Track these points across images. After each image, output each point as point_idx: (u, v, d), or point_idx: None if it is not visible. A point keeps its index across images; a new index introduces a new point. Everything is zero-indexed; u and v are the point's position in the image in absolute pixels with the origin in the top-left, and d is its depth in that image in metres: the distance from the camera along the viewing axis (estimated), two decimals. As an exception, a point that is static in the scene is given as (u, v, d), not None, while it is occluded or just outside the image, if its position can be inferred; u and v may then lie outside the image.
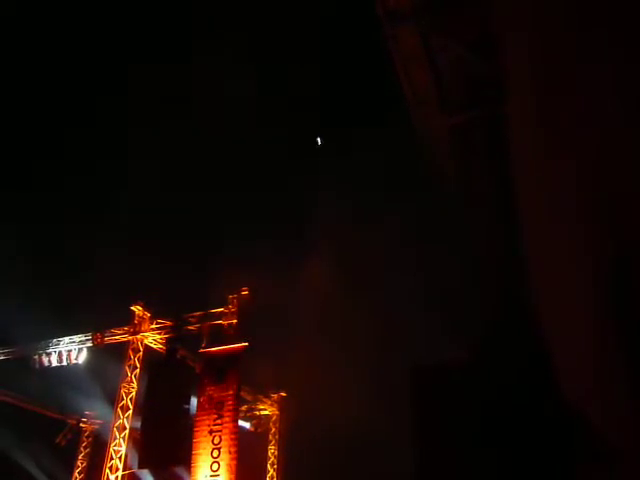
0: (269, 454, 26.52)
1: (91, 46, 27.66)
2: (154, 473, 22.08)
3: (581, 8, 3.63)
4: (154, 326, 21.92)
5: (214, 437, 18.47)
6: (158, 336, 21.89)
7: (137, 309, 22.01)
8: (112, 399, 21.80)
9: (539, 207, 4.30)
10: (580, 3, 3.72)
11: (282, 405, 26.92)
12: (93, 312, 24.36)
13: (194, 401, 19.80)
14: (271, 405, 26.79)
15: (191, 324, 21.24)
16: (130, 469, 20.95)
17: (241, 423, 22.51)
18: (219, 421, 18.66)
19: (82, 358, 22.43)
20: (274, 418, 26.94)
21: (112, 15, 27.18)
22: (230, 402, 18.90)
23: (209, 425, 18.70)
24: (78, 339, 22.78)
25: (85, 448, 27.07)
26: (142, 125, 27.64)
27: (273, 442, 26.70)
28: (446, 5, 7.68)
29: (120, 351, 22.18)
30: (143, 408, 20.90)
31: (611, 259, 2.96)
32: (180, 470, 20.86)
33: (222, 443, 18.29)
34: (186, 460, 19.02)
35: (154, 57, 27.70)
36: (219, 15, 27.12)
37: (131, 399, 21.26)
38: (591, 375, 3.96)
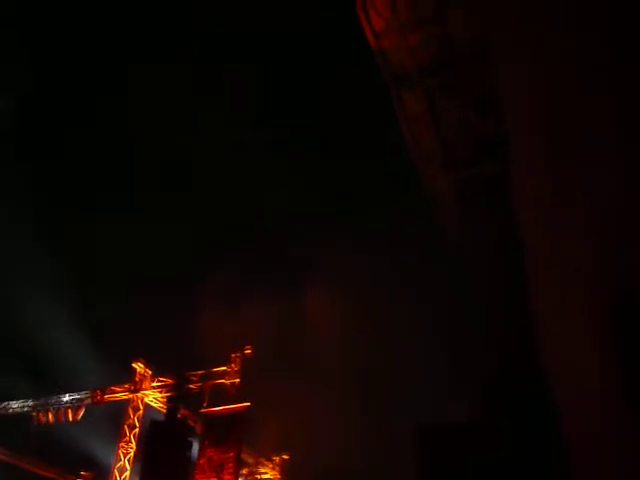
0: (270, 521, 25.58)
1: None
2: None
3: (584, 66, 3.75)
4: (155, 384, 21.58)
5: (213, 501, 17.87)
6: (159, 394, 21.52)
7: (138, 366, 21.72)
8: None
9: (544, 257, 4.33)
10: (583, 60, 3.83)
11: (284, 468, 26.13)
12: (94, 369, 24.13)
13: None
14: (273, 469, 26.01)
15: (193, 382, 20.91)
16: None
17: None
18: (219, 484, 18.09)
19: (81, 416, 22.00)
20: (276, 483, 26.10)
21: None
22: (230, 464, 18.36)
23: (208, 488, 18.12)
24: (78, 396, 22.42)
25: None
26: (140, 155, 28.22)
27: (274, 508, 25.79)
28: (451, 67, 7.93)
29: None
30: (141, 469, 20.31)
31: (616, 305, 2.95)
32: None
33: (221, 507, 17.68)
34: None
35: (153, 58, 28.57)
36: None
37: (129, 460, 20.71)
38: (599, 433, 3.86)
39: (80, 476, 26.12)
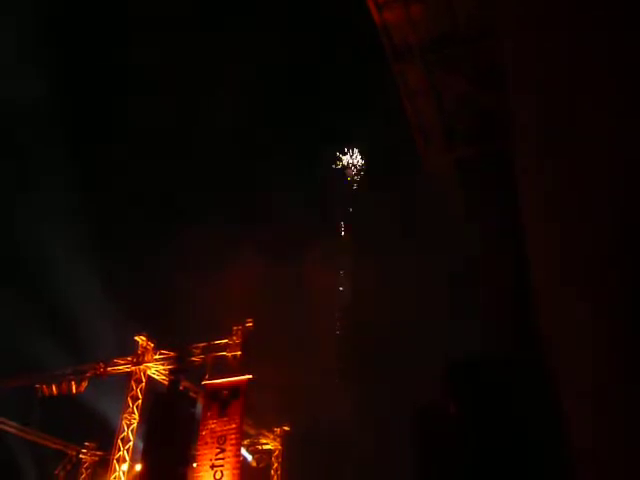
0: (271, 490, 26.07)
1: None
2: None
3: (584, 42, 3.71)
4: (157, 357, 21.76)
5: (216, 472, 18.11)
6: (161, 367, 21.72)
7: (141, 339, 21.90)
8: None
9: (546, 239, 4.33)
10: (583, 40, 3.79)
11: (285, 440, 26.53)
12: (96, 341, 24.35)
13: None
14: (274, 440, 26.41)
15: (195, 355, 21.09)
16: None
17: (244, 453, 22.12)
18: (221, 455, 18.32)
19: (84, 388, 22.25)
20: (276, 453, 26.52)
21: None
22: (233, 436, 18.57)
23: (211, 460, 18.36)
24: (81, 369, 22.64)
25: (84, 481, 26.64)
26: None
27: (275, 477, 26.24)
28: (452, 42, 7.83)
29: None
30: (144, 440, 20.62)
31: (623, 280, 2.97)
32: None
33: (224, 478, 17.95)
34: (187, 495, 18.70)
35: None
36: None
37: (132, 431, 21.01)
38: (605, 422, 3.89)
39: (84, 447, 26.64)
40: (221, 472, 18.08)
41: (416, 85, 8.36)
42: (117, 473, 20.38)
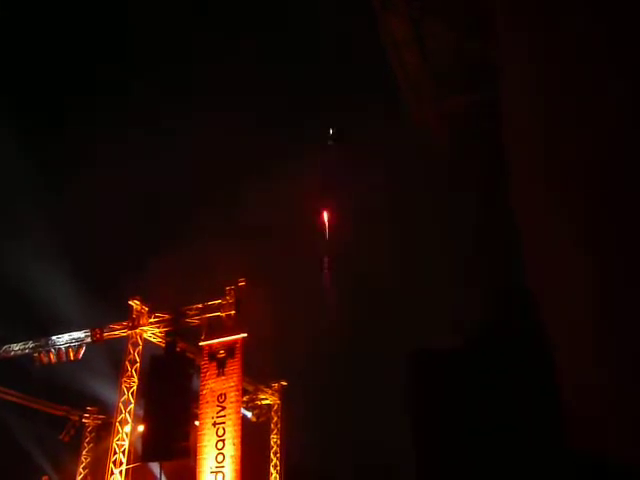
0: (272, 443, 26.68)
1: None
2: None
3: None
4: (152, 320, 21.91)
5: (218, 429, 18.54)
6: (157, 330, 21.90)
7: (135, 303, 22.00)
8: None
9: (535, 196, 4.32)
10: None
11: (283, 394, 27.04)
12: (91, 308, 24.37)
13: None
14: (272, 394, 26.90)
15: (190, 317, 21.24)
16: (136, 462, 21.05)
17: (243, 411, 22.57)
18: (222, 413, 18.73)
19: (81, 354, 22.43)
20: (275, 407, 27.06)
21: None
22: (232, 393, 18.96)
23: (213, 417, 18.77)
24: (77, 336, 22.76)
25: (89, 443, 27.12)
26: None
27: (275, 431, 26.86)
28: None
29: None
30: (145, 402, 20.94)
31: (610, 241, 2.98)
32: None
33: (226, 435, 18.37)
34: (191, 452, 19.10)
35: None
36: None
37: (132, 393, 21.30)
38: (590, 363, 3.97)
39: (87, 411, 27.02)
40: (223, 429, 18.51)
41: (401, 36, 8.18)
42: (120, 435, 20.76)
